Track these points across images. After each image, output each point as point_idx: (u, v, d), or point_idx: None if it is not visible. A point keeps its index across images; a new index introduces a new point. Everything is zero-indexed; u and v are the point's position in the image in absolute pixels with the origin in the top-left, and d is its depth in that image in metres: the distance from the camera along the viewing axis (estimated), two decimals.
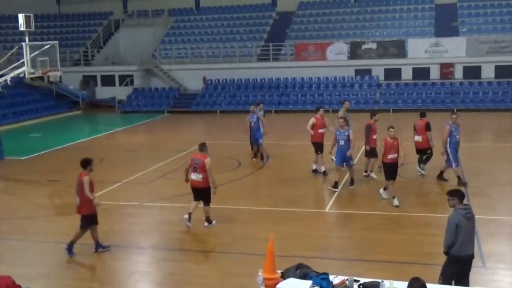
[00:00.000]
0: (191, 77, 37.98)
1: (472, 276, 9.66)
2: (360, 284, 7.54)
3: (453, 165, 15.53)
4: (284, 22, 41.17)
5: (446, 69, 34.43)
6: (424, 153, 16.79)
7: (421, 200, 14.87)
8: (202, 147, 12.86)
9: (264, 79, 36.72)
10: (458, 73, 34.47)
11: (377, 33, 37.87)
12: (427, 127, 16.46)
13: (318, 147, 17.26)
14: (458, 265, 8.11)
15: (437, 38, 35.21)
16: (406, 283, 6.76)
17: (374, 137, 16.36)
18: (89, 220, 11.42)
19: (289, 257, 9.82)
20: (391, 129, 13.93)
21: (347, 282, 7.58)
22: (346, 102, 18.63)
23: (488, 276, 9.81)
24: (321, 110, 17.57)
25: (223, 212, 13.66)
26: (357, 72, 35.72)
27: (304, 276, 7.95)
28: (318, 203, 14.93)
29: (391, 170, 13.99)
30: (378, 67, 35.32)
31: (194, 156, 12.90)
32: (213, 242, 12.13)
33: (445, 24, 37.53)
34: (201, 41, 40.37)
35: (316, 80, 36.01)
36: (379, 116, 16.99)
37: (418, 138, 16.67)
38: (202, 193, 12.74)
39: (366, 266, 10.31)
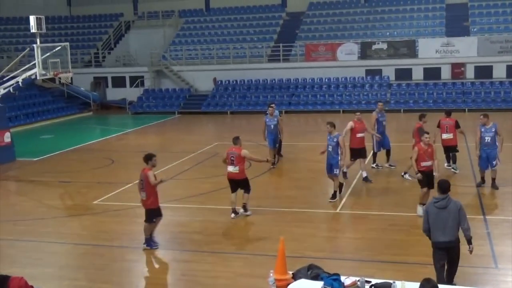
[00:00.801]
0: (201, 78, 38.05)
1: (484, 276, 9.65)
2: (372, 285, 7.52)
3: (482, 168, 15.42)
4: (294, 22, 41.18)
5: (457, 69, 34.25)
6: (453, 150, 16.92)
7: None
8: (236, 140, 13.62)
9: (274, 79, 36.72)
10: (469, 73, 34.27)
11: (388, 33, 37.77)
12: (457, 125, 16.63)
13: (357, 153, 16.46)
14: (436, 250, 8.70)
15: (448, 38, 35.03)
16: (417, 284, 6.74)
17: None
18: (154, 213, 11.80)
19: (300, 258, 9.81)
20: (425, 135, 13.19)
21: (358, 283, 7.57)
22: (380, 103, 18.28)
23: (500, 277, 9.74)
24: (359, 114, 16.89)
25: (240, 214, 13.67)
26: (368, 72, 35.62)
27: (315, 277, 7.94)
28: (329, 203, 14.88)
29: (426, 178, 12.99)
30: (388, 67, 35.19)
31: (229, 150, 13.52)
32: (224, 243, 12.14)
33: (456, 24, 37.36)
34: (211, 42, 40.43)
35: (326, 80, 35.95)
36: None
37: (448, 136, 16.67)
38: (240, 184, 13.52)
39: (377, 267, 10.27)
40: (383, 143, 17.86)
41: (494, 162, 15.10)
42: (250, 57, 38.43)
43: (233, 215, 13.52)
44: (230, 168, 13.38)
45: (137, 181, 12.09)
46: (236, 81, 37.32)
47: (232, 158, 13.32)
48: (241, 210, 13.65)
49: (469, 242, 8.66)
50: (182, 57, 39.47)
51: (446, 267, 8.72)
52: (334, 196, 14.61)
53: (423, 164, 12.96)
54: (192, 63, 39.18)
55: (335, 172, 14.46)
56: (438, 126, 16.99)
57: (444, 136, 16.77)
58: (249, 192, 13.61)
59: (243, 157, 13.28)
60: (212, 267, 10.87)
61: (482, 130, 15.19)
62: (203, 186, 16.64)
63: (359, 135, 16.42)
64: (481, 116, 15.45)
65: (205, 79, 37.82)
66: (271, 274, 7.88)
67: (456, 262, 8.75)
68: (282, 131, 19.02)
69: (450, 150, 17.04)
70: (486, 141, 15.06)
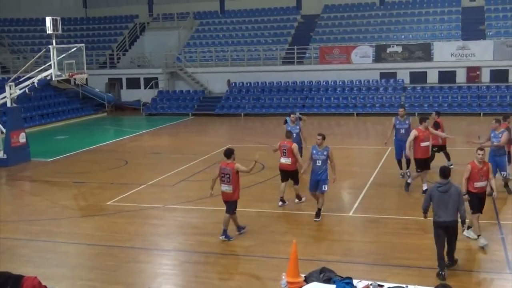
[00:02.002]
0: (215, 80, 38.10)
1: (499, 282, 9.57)
2: None
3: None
4: (309, 25, 41.14)
5: (473, 72, 33.99)
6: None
7: None
8: (289, 134, 15.05)
9: (288, 82, 36.68)
10: (485, 77, 34.02)
11: (403, 36, 37.59)
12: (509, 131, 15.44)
13: (420, 163, 15.17)
14: (437, 228, 9.85)
15: (463, 42, 34.79)
16: None
17: None
18: (236, 204, 12.48)
19: (312, 261, 9.80)
20: (479, 152, 11.39)
21: (371, 286, 7.53)
22: (400, 110, 17.04)
23: None
24: (426, 122, 15.27)
25: (247, 215, 13.67)
26: (382, 75, 35.47)
27: (327, 280, 7.92)
28: (342, 206, 14.84)
29: (478, 201, 11.47)
30: (403, 71, 35.02)
31: (282, 143, 14.61)
32: (236, 245, 12.13)
33: (472, 27, 37.12)
34: (226, 44, 40.50)
35: (340, 83, 35.86)
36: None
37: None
38: (290, 174, 14.58)
39: (390, 271, 10.22)
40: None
41: (504, 173, 14.81)
42: (264, 59, 38.43)
43: (280, 203, 14.62)
44: (283, 160, 14.55)
45: (150, 183, 12.13)
46: (250, 83, 37.33)
47: (284, 151, 14.46)
48: (296, 200, 14.84)
49: (463, 222, 10.10)
50: (196, 59, 39.57)
51: (446, 246, 9.87)
52: (318, 214, 13.51)
53: (477, 185, 11.33)
54: (206, 65, 39.26)
55: (323, 189, 13.38)
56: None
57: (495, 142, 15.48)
58: (298, 184, 14.67)
59: (293, 150, 14.31)
60: (225, 269, 10.88)
61: (492, 135, 14.98)
62: (216, 188, 16.61)
63: (423, 144, 15.05)
64: (493, 121, 15.18)
65: (219, 81, 37.85)
66: (283, 277, 7.87)
67: (454, 240, 9.96)
68: (305, 139, 17.62)
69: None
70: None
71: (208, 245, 12.13)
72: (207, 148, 22.85)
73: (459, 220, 9.89)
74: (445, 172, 9.84)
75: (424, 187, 14.86)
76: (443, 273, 9.62)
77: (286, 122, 18.06)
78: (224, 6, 44.60)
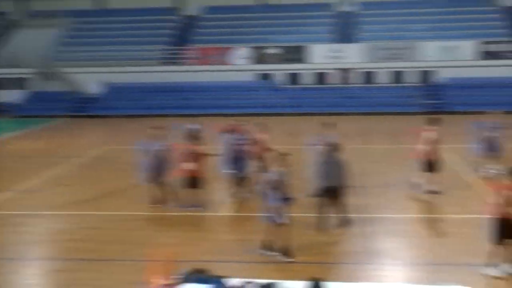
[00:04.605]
0: (92, 80, 37.03)
1: (360, 273, 10.09)
2: (257, 285, 7.64)
3: None
4: (188, 25, 41.08)
5: (345, 74, 35.63)
6: None
7: None
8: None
9: (167, 83, 36.45)
10: (356, 78, 35.74)
11: (280, 39, 38.57)
12: None
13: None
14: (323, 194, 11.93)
15: (336, 44, 36.36)
16: (300, 283, 6.93)
17: None
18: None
19: (186, 262, 9.75)
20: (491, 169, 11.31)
21: (243, 284, 7.66)
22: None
23: (375, 272, 10.19)
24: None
25: (119, 219, 13.42)
26: (260, 76, 36.23)
27: (200, 280, 7.96)
28: (214, 206, 14.88)
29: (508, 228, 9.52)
30: (280, 72, 35.99)
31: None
32: (109, 250, 11.83)
33: (344, 31, 38.86)
34: (103, 44, 39.44)
35: (219, 84, 36.16)
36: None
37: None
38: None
39: (262, 267, 10.43)
40: None
41: None
42: (143, 59, 37.86)
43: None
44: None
45: (19, 188, 11.52)
46: (129, 83, 36.65)
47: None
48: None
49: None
50: (72, 59, 38.19)
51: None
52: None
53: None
54: (83, 64, 38.01)
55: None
56: None
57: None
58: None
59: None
60: (97, 274, 10.58)
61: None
62: (88, 192, 16.16)
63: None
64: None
65: (97, 82, 36.83)
66: (157, 279, 7.80)
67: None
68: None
69: None
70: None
71: (80, 251, 11.74)
72: (82, 151, 22.14)
73: None
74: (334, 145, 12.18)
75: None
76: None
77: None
78: (100, 5, 43.34)
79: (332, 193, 12.04)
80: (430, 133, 14.81)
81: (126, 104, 35.18)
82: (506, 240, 9.52)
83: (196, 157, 13.75)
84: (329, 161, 12.06)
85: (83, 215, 13.97)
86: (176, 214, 14.06)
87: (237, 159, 14.53)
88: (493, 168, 15.72)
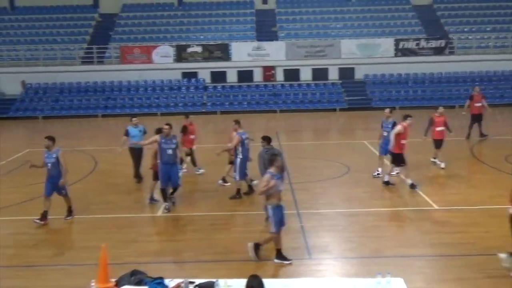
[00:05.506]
0: (8, 81, 35.57)
1: (299, 268, 10.27)
2: (196, 285, 7.62)
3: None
4: (108, 24, 40.19)
5: (268, 71, 36.01)
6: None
7: (250, 200, 15.25)
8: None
9: (88, 82, 35.57)
10: (279, 76, 36.19)
11: (202, 37, 38.46)
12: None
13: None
14: None
15: (258, 42, 36.67)
16: (241, 280, 6.96)
17: None
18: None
19: (123, 265, 9.61)
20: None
21: (182, 284, 7.62)
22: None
23: (314, 267, 10.41)
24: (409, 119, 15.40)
25: (51, 222, 13.00)
26: (184, 75, 36.03)
27: (139, 283, 7.87)
28: (149, 208, 14.74)
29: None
30: (204, 70, 35.91)
31: None
32: (38, 255, 11.42)
33: (265, 29, 39.24)
34: (18, 43, 37.98)
35: (143, 83, 35.69)
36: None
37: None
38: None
39: (200, 267, 10.42)
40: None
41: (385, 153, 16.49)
42: (62, 59, 36.74)
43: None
44: None
45: None
46: (47, 84, 35.49)
47: None
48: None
49: None
50: None
51: None
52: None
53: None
54: None
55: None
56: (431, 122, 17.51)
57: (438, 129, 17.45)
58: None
59: None
60: (26, 282, 10.20)
61: (384, 124, 16.51)
62: (13, 196, 15.55)
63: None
64: (386, 111, 16.79)
65: (13, 82, 35.39)
66: (93, 284, 7.63)
67: None
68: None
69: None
70: (383, 134, 16.41)
71: (6, 258, 11.27)
72: (1, 155, 21.23)
73: None
74: (267, 139, 13.19)
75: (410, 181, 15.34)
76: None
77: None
78: (13, 2, 41.60)
79: None
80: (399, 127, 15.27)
81: (45, 105, 34.05)
82: None
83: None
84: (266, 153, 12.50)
85: (9, 220, 13.44)
86: (113, 216, 13.79)
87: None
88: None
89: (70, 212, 13.55)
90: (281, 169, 10.45)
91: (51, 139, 13.22)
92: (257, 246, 10.55)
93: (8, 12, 41.27)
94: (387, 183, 15.67)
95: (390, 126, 16.22)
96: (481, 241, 11.29)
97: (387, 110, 16.92)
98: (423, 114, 21.77)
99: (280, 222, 10.32)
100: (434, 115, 17.56)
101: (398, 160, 15.44)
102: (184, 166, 17.49)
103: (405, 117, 15.37)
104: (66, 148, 21.07)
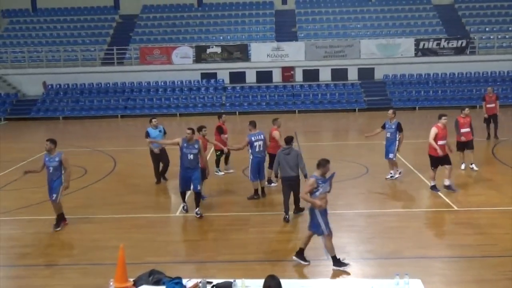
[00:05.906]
0: (29, 82, 36.02)
1: (317, 268, 10.24)
2: (213, 286, 7.66)
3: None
4: (128, 25, 40.52)
5: (287, 72, 35.97)
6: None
7: (268, 200, 15.26)
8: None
9: (108, 83, 35.85)
10: (299, 76, 36.13)
11: (221, 37, 38.56)
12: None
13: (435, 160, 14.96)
14: (284, 182, 12.99)
15: (278, 43, 36.65)
16: (258, 281, 6.97)
17: None
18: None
19: (141, 264, 9.68)
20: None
21: (200, 284, 7.66)
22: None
23: (331, 268, 10.36)
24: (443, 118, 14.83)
25: (70, 222, 13.12)
26: (203, 75, 36.14)
27: (157, 282, 7.92)
28: (168, 208, 14.83)
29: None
30: (223, 71, 35.99)
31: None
32: (59, 255, 11.56)
33: (285, 29, 39.23)
34: (40, 44, 38.42)
35: (162, 84, 35.86)
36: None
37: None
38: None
39: (218, 267, 10.44)
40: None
41: (391, 155, 16.29)
42: (83, 60, 37.12)
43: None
44: None
45: None
46: (68, 85, 35.84)
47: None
48: None
49: (305, 176, 12.45)
50: (7, 60, 37.02)
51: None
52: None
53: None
54: (19, 66, 36.94)
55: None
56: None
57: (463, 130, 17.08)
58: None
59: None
60: (48, 281, 10.31)
61: (387, 126, 16.43)
62: (34, 196, 15.72)
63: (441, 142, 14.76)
64: (390, 112, 16.67)
65: (34, 83, 35.82)
66: (111, 283, 7.69)
67: (297, 191, 12.70)
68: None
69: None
70: (386, 135, 16.38)
71: (28, 257, 11.42)
72: (23, 155, 21.49)
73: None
74: (288, 140, 13.13)
75: (447, 183, 14.94)
76: (287, 216, 12.88)
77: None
78: (36, 4, 42.15)
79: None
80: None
81: (66, 106, 34.41)
82: None
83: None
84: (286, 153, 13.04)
85: (30, 220, 13.60)
86: (131, 216, 13.88)
87: None
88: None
89: (59, 221, 12.90)
90: (324, 174, 10.10)
91: (53, 142, 12.94)
92: (301, 252, 10.43)
93: (30, 13, 41.85)
94: (448, 187, 14.95)
95: (393, 127, 16.26)
96: (501, 243, 11.17)
97: (390, 112, 16.76)
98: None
99: (327, 223, 10.14)
100: (459, 116, 17.21)
101: (441, 162, 14.77)
102: (222, 169, 17.85)
103: (440, 117, 14.84)
104: (86, 148, 21.37)
